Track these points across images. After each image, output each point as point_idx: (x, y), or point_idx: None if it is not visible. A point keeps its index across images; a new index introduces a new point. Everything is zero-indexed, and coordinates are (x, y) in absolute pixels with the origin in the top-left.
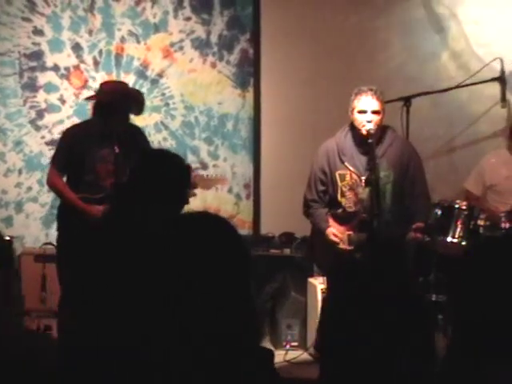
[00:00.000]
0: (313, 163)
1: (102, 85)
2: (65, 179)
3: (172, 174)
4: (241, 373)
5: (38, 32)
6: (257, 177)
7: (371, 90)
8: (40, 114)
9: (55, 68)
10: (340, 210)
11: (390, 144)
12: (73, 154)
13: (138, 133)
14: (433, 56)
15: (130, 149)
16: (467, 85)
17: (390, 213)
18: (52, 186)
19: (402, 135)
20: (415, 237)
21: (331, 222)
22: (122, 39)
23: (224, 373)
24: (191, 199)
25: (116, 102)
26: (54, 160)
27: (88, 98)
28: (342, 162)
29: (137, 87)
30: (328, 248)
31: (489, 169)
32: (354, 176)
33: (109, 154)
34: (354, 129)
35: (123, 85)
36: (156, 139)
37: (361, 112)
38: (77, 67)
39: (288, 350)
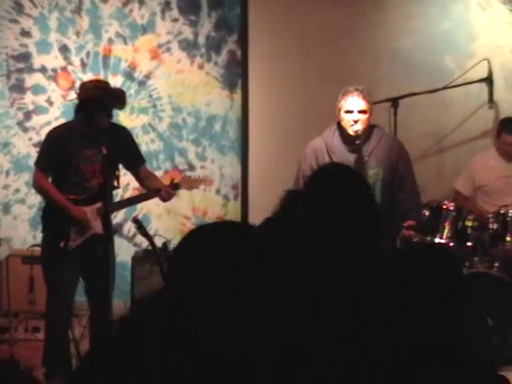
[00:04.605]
0: (300, 162)
1: (83, 84)
2: (50, 180)
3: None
4: None
5: (26, 33)
6: (245, 178)
7: (358, 90)
8: (27, 116)
9: (43, 69)
10: None
11: (378, 142)
12: (57, 154)
13: (124, 132)
14: (422, 56)
15: (116, 149)
16: (455, 86)
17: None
18: (38, 188)
19: (390, 133)
20: (408, 234)
21: None
22: (110, 41)
23: None
24: (176, 200)
25: (99, 98)
26: (39, 161)
27: (72, 99)
28: (332, 160)
29: (124, 89)
30: None
31: (478, 169)
32: None
33: (93, 154)
34: (341, 127)
35: (104, 82)
36: (143, 141)
37: (348, 112)
38: (64, 69)
39: None
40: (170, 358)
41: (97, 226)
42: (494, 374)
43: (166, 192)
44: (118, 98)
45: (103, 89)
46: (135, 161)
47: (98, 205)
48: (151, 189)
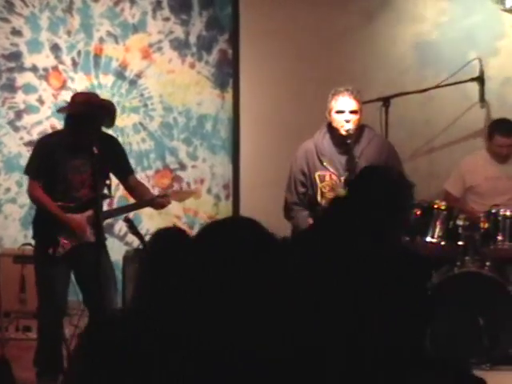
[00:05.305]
0: (291, 165)
1: (73, 96)
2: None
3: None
4: None
5: (17, 33)
6: (236, 177)
7: (348, 90)
8: (18, 115)
9: (34, 69)
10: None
11: (368, 143)
12: (46, 162)
13: (113, 141)
14: (412, 56)
15: (106, 156)
16: (446, 85)
17: None
18: (34, 199)
19: (380, 134)
20: None
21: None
22: (101, 40)
23: None
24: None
25: (88, 114)
26: (30, 171)
27: (60, 110)
28: (322, 163)
29: (115, 88)
30: None
31: (468, 170)
32: (334, 177)
33: (82, 164)
34: (331, 129)
35: (95, 96)
36: (134, 140)
37: (339, 112)
38: (55, 68)
39: None
40: (170, 358)
41: (88, 235)
42: (469, 374)
43: (166, 200)
44: (107, 113)
45: (92, 104)
46: (125, 169)
47: (89, 213)
48: (142, 199)
